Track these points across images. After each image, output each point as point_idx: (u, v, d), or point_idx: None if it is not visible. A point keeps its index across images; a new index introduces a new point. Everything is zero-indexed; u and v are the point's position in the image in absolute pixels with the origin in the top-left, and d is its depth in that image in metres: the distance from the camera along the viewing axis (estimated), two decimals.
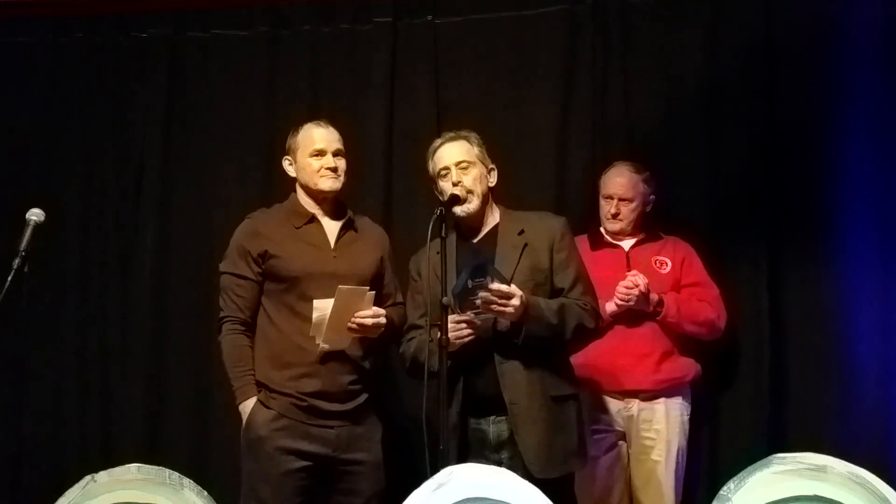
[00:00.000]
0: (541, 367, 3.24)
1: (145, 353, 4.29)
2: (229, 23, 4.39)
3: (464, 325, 3.19)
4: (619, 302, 3.72)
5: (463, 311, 3.18)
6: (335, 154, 3.45)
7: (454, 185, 3.30)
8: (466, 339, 3.20)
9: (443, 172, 3.36)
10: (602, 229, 3.97)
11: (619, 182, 3.90)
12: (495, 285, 3.12)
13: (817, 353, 3.96)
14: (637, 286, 3.69)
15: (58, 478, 4.05)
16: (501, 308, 3.14)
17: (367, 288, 3.34)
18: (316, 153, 3.43)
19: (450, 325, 3.12)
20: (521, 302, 3.14)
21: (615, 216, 3.89)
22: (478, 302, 3.14)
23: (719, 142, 4.09)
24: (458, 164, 3.33)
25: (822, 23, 4.00)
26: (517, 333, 3.19)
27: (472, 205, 3.32)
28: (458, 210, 3.31)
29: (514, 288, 3.15)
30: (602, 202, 3.93)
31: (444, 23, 4.29)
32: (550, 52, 4.21)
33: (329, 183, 3.42)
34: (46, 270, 4.25)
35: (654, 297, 3.74)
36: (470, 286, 3.13)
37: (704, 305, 3.81)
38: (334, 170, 3.43)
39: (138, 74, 4.42)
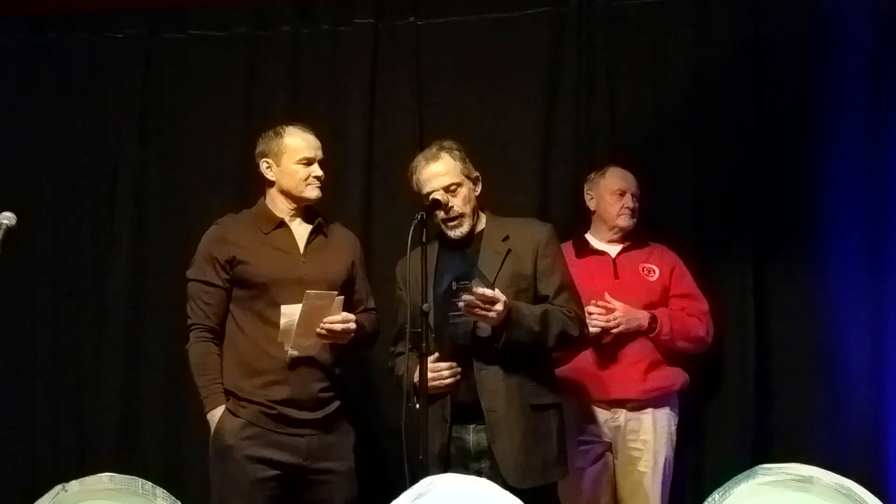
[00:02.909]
0: (521, 375, 3.20)
1: (119, 361, 4.22)
2: (207, 23, 4.33)
3: (445, 370, 3.15)
4: (614, 330, 3.65)
5: (445, 312, 3.15)
6: (320, 163, 3.42)
7: (445, 211, 3.26)
8: (449, 383, 3.15)
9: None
10: (588, 236, 3.92)
11: (630, 177, 3.85)
12: (479, 289, 3.08)
13: (803, 361, 3.93)
14: (612, 311, 3.64)
15: (29, 487, 3.99)
16: (484, 313, 3.09)
17: (336, 293, 3.29)
18: (305, 161, 3.39)
19: (431, 373, 3.07)
20: (504, 307, 3.10)
21: (631, 211, 3.83)
22: (460, 304, 3.09)
23: (705, 147, 4.06)
24: (446, 188, 3.28)
25: (810, 27, 3.98)
26: (497, 339, 3.14)
27: (465, 227, 3.30)
28: (452, 234, 3.30)
29: (497, 293, 3.10)
30: (610, 199, 3.84)
31: (427, 24, 4.25)
32: (534, 56, 4.17)
33: (316, 192, 3.40)
34: (18, 276, 4.19)
35: (645, 313, 3.69)
36: (454, 288, 3.10)
37: (694, 321, 3.77)
38: (321, 179, 3.40)
39: (113, 76, 4.36)
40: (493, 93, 4.19)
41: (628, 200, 3.83)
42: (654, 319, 3.70)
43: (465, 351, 3.19)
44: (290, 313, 3.22)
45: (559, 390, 3.35)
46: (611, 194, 3.85)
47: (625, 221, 3.84)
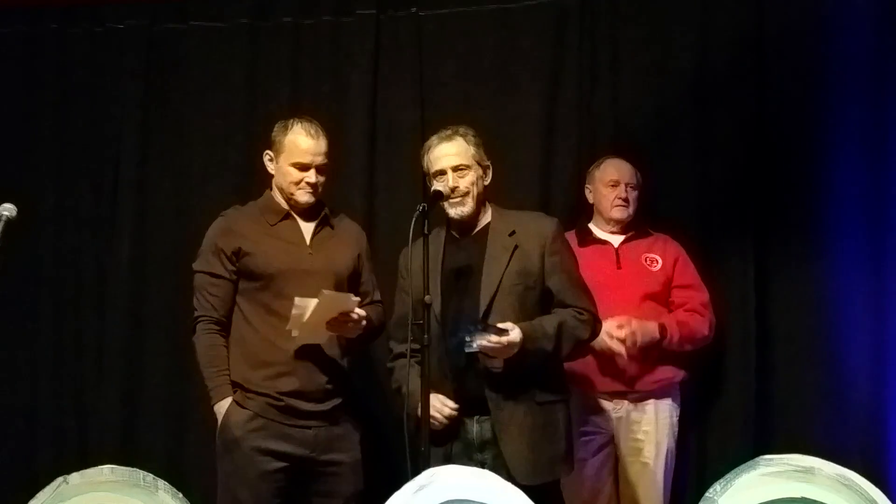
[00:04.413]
0: (529, 371, 3.18)
1: (121, 352, 4.22)
2: (208, 14, 4.32)
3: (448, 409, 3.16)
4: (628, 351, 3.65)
5: (450, 303, 3.18)
6: (318, 169, 3.37)
7: (451, 189, 3.25)
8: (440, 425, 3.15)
9: (438, 175, 3.30)
10: (591, 225, 3.92)
11: (625, 168, 3.85)
12: (494, 338, 3.05)
13: (805, 353, 3.93)
14: (626, 338, 3.62)
15: (30, 479, 3.99)
16: (503, 355, 3.08)
17: (352, 295, 3.29)
18: (299, 166, 3.35)
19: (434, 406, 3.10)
20: (519, 342, 3.08)
21: (623, 200, 3.82)
22: (475, 346, 3.06)
23: (707, 137, 4.05)
24: (455, 167, 3.27)
25: (813, 17, 3.97)
26: (511, 368, 3.13)
27: (467, 208, 3.28)
28: (452, 212, 3.28)
29: (512, 335, 3.07)
30: (605, 190, 3.85)
31: (429, 15, 4.23)
32: (537, 46, 4.15)
33: (306, 198, 3.37)
34: (20, 268, 4.19)
35: (654, 324, 3.67)
36: (467, 340, 3.08)
37: (697, 319, 3.75)
38: (314, 186, 3.37)
39: (115, 67, 4.35)
40: (495, 83, 4.18)
41: (622, 191, 3.82)
42: (663, 328, 3.68)
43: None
44: (303, 305, 3.20)
45: (565, 385, 3.34)
46: (605, 186, 3.85)
47: (619, 213, 3.83)
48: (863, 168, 3.91)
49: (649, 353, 3.69)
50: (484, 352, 3.09)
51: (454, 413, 3.16)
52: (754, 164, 3.99)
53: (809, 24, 3.97)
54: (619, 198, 3.82)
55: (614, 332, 3.60)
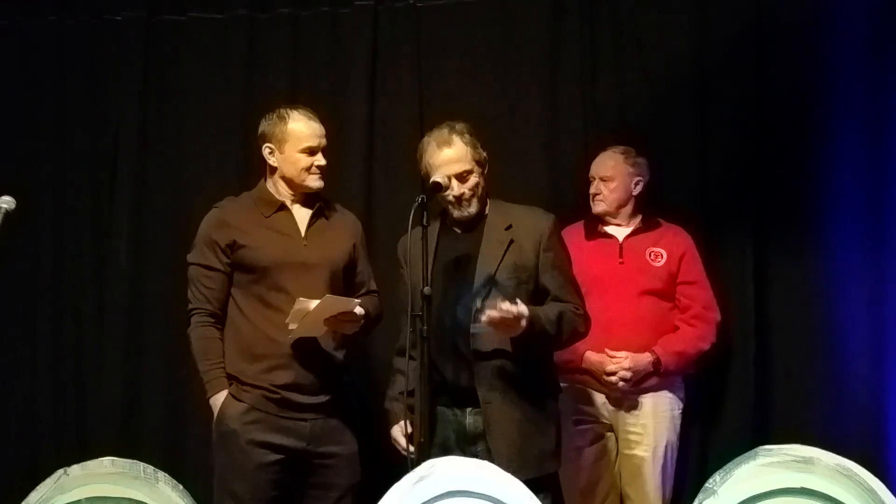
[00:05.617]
0: (519, 367, 3.19)
1: (120, 345, 4.22)
2: (206, 5, 4.30)
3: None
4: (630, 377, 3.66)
5: (443, 297, 3.15)
6: (323, 151, 3.38)
7: (458, 196, 3.24)
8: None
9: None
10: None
11: (600, 162, 3.86)
12: (505, 305, 3.02)
13: (803, 344, 3.93)
14: (621, 370, 3.64)
15: (31, 471, 4.00)
16: (511, 327, 3.06)
17: (357, 301, 3.28)
18: (308, 150, 3.34)
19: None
20: (527, 316, 3.05)
21: (595, 196, 3.84)
22: (483, 318, 3.04)
23: (707, 128, 4.05)
24: (459, 175, 3.24)
25: (813, 6, 3.96)
26: (514, 347, 3.14)
27: (473, 208, 3.27)
28: (457, 214, 3.27)
29: (521, 308, 3.04)
30: (589, 188, 3.87)
31: (427, 6, 4.22)
32: (538, 36, 4.14)
33: (318, 182, 3.36)
34: (19, 261, 4.19)
35: (647, 357, 3.66)
36: (479, 306, 3.07)
37: (698, 335, 3.72)
38: (323, 169, 3.37)
39: (112, 59, 4.34)
40: (495, 75, 4.17)
41: (595, 186, 3.84)
42: (657, 363, 3.67)
43: (463, 339, 3.18)
44: (304, 304, 3.18)
45: (555, 381, 3.34)
46: (588, 182, 3.86)
47: (596, 207, 3.85)
48: (862, 159, 3.91)
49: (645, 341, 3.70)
50: (492, 324, 3.04)
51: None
52: (753, 154, 3.98)
53: (808, 13, 3.96)
54: (592, 193, 3.84)
55: (608, 369, 3.64)
